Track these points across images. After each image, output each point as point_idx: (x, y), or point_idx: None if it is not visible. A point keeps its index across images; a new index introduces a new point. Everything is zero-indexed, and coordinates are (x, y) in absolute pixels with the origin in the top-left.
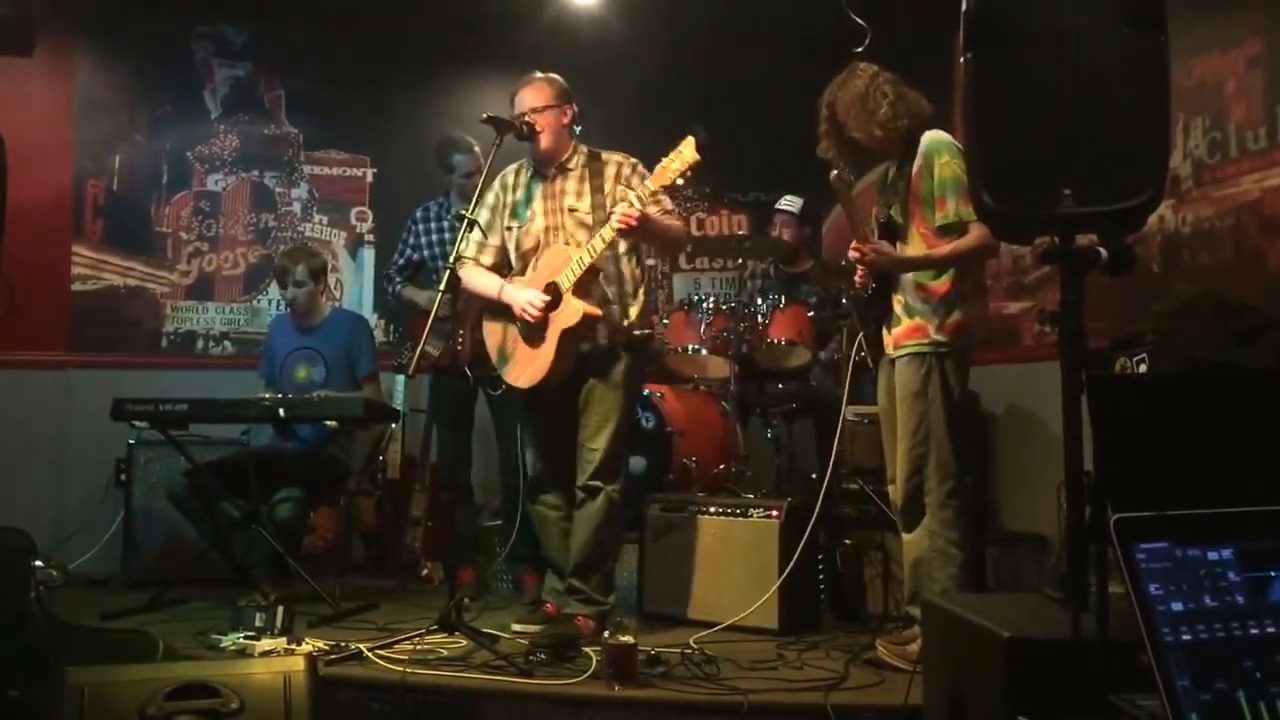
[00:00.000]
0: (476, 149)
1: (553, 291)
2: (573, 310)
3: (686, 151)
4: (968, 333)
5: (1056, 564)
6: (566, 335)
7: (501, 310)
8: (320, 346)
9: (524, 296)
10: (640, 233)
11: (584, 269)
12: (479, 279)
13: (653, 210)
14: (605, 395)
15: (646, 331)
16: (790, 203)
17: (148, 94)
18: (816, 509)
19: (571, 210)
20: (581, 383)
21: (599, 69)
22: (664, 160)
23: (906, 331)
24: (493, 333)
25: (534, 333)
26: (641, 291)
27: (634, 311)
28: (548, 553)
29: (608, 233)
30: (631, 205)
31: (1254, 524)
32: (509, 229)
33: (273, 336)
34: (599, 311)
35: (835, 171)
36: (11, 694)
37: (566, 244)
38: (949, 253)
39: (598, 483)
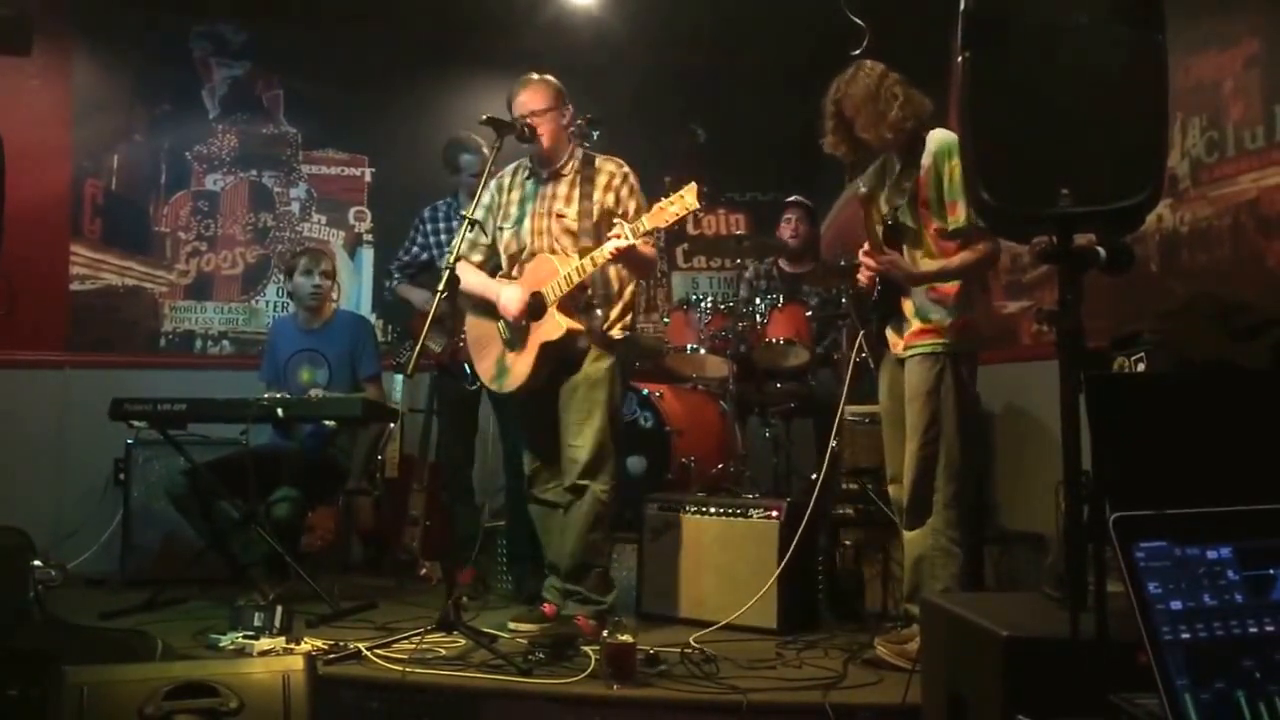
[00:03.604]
0: (485, 149)
1: (537, 301)
2: (555, 325)
3: (689, 198)
4: (977, 333)
5: (1055, 563)
6: (546, 348)
7: (487, 308)
8: (324, 348)
9: (507, 294)
10: (626, 262)
11: (572, 286)
12: (469, 276)
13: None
14: (584, 394)
15: (626, 333)
16: (804, 198)
17: (146, 93)
18: (811, 507)
19: (559, 216)
20: (562, 383)
21: (598, 69)
22: (664, 202)
23: (918, 332)
24: (474, 328)
25: (516, 339)
26: (628, 292)
27: (614, 314)
28: (547, 552)
29: (600, 257)
30: (625, 238)
31: (1253, 523)
32: (500, 229)
33: (275, 338)
34: (582, 327)
35: (863, 190)
36: (11, 694)
37: (552, 248)
38: (959, 265)
39: (584, 482)
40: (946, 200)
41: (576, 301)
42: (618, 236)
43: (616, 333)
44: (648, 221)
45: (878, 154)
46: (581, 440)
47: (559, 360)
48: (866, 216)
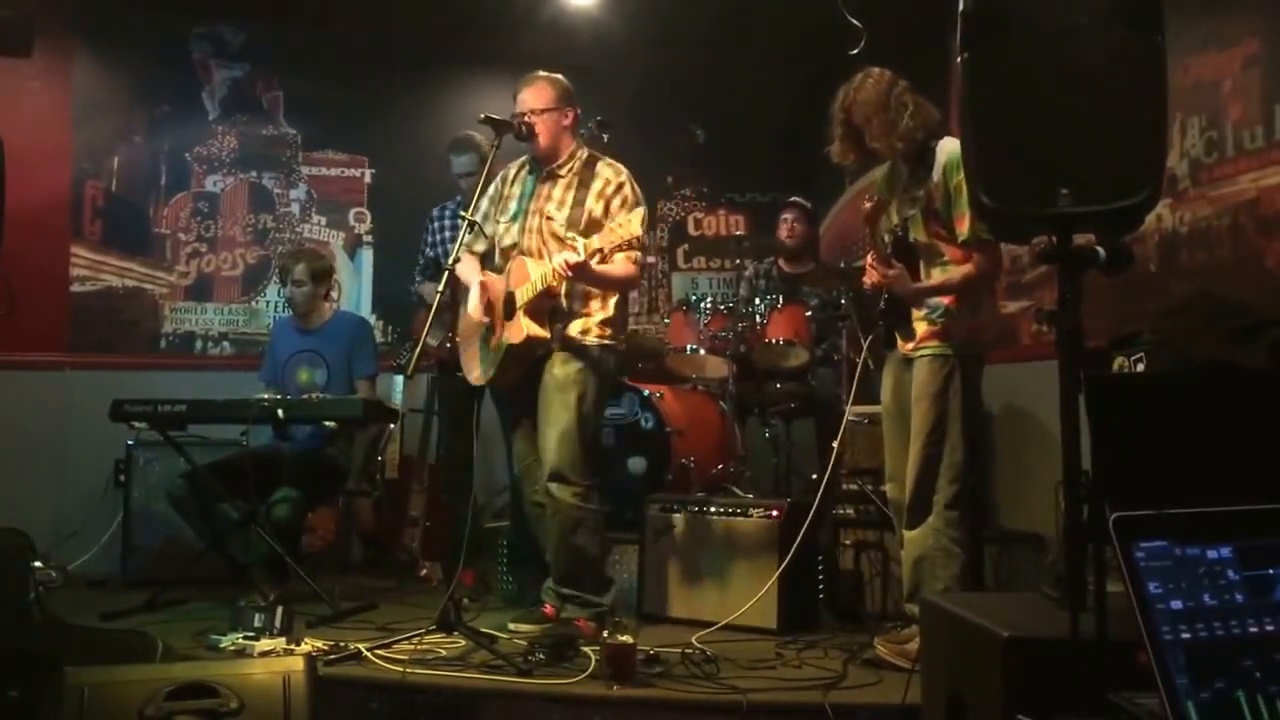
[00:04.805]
0: (483, 147)
1: (509, 303)
2: (518, 329)
3: (634, 224)
4: (984, 336)
5: (1055, 563)
6: (510, 350)
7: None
8: (322, 349)
9: (472, 297)
10: (580, 280)
11: (536, 294)
12: (463, 270)
13: (619, 258)
14: (552, 398)
15: (605, 342)
16: (802, 199)
17: (146, 95)
18: (814, 507)
19: (549, 218)
20: (537, 385)
21: (596, 69)
22: (613, 224)
23: (927, 334)
24: (464, 320)
25: (491, 335)
26: (611, 303)
27: (593, 321)
28: (545, 552)
29: (552, 275)
30: (575, 255)
31: (1253, 523)
32: (498, 222)
33: (274, 339)
34: (545, 335)
35: (869, 203)
36: (11, 694)
37: (540, 249)
38: (960, 280)
39: (551, 485)
40: (954, 214)
41: (544, 308)
42: (572, 250)
43: (591, 340)
44: (597, 240)
45: (883, 160)
46: (547, 446)
47: (524, 363)
48: (874, 226)
